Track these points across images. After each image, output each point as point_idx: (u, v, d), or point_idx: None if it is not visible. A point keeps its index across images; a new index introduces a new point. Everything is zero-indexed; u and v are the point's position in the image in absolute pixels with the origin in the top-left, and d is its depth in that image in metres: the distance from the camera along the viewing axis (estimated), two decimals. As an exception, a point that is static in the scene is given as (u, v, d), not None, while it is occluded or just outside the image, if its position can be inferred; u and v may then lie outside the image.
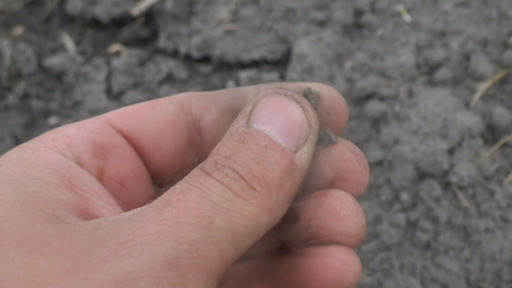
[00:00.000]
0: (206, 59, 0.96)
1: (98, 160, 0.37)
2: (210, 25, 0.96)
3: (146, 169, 0.40)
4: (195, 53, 0.95)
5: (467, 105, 0.81)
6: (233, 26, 0.95)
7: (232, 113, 0.39)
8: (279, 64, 0.93)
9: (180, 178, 0.33)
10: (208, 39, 0.95)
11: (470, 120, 0.78)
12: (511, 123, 0.79)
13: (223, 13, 0.97)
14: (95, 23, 1.02)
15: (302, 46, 0.89)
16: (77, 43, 1.01)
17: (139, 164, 0.40)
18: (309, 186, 0.38)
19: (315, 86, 0.39)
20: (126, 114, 0.39)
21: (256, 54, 0.92)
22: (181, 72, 0.95)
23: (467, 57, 0.84)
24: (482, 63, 0.82)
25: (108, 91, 0.94)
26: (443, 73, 0.83)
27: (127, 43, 0.99)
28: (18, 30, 1.01)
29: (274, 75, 0.90)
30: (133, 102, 0.92)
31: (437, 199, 0.75)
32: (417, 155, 0.77)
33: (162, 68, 0.95)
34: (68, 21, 1.03)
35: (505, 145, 0.78)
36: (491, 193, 0.75)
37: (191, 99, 0.40)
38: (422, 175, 0.77)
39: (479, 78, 0.82)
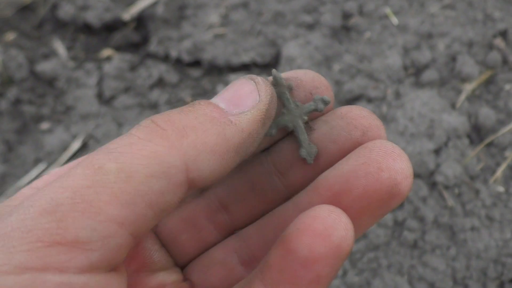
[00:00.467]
0: (196, 63, 0.97)
1: None
2: (201, 29, 0.97)
3: None
4: (186, 57, 0.96)
5: (453, 106, 0.82)
6: (223, 30, 0.96)
7: None
8: (268, 67, 0.94)
9: None
10: (199, 43, 0.96)
11: (456, 121, 0.79)
12: (496, 123, 0.80)
13: (213, 17, 0.98)
14: (87, 28, 1.03)
15: (291, 49, 0.90)
16: (69, 48, 1.02)
17: None
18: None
19: (291, 73, 0.39)
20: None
21: (246, 58, 0.93)
22: (172, 76, 0.96)
23: (453, 58, 0.85)
24: (467, 64, 0.83)
25: (100, 95, 0.95)
26: (429, 75, 0.84)
27: (118, 48, 1.00)
28: (10, 36, 1.02)
29: (263, 78, 0.91)
30: (124, 107, 0.93)
31: (423, 198, 0.76)
32: (404, 155, 0.78)
33: (153, 72, 0.96)
34: (60, 26, 1.04)
35: (490, 144, 0.79)
36: (477, 192, 0.76)
37: None
38: (409, 175, 0.78)
39: (465, 79, 0.83)
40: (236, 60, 0.94)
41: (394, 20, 0.90)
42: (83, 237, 0.28)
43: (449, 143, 0.79)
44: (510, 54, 0.83)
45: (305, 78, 0.39)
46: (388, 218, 0.75)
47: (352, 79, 0.86)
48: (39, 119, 0.93)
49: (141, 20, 1.02)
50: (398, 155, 0.34)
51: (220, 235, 0.43)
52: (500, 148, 0.78)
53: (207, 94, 0.94)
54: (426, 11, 0.90)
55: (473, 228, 0.73)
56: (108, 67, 0.96)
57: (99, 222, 0.28)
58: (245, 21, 0.97)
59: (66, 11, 1.02)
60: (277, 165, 0.40)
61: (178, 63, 0.98)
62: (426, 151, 0.77)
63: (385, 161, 0.34)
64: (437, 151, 0.79)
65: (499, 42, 0.84)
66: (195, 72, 0.97)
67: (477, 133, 0.81)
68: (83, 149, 0.88)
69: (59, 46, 1.01)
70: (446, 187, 0.76)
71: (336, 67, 0.88)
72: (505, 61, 0.84)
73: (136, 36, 1.01)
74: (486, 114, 0.80)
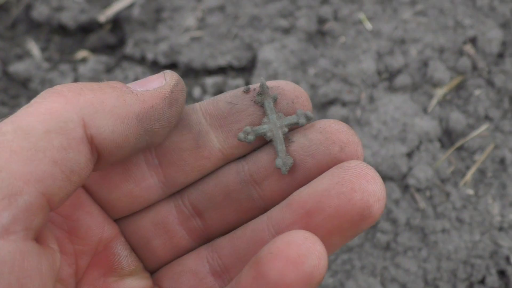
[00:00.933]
0: (173, 66, 0.97)
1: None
2: (177, 32, 0.97)
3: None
4: (162, 60, 0.96)
5: (425, 110, 0.84)
6: (199, 33, 0.97)
7: None
8: (244, 70, 0.95)
9: None
10: (175, 46, 0.96)
11: (428, 125, 0.81)
12: (466, 127, 0.82)
13: (190, 20, 0.98)
14: (62, 29, 1.02)
15: (267, 53, 0.90)
16: (43, 49, 1.01)
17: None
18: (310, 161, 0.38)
19: (273, 83, 0.41)
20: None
21: (222, 61, 0.94)
22: (148, 79, 0.95)
23: (425, 64, 0.87)
24: (439, 70, 0.85)
25: (75, 97, 0.95)
26: (402, 79, 0.86)
27: (94, 50, 1.00)
28: (-17, 36, 1.01)
29: (239, 81, 0.91)
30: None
31: (396, 201, 0.77)
32: (377, 158, 0.79)
33: (129, 74, 0.95)
34: (34, 27, 1.03)
35: (460, 148, 0.81)
36: (447, 195, 0.77)
37: None
38: (382, 178, 0.79)
39: (436, 84, 0.85)
40: (212, 63, 0.94)
41: (368, 25, 0.92)
42: None
43: (421, 146, 0.80)
44: (480, 60, 0.86)
45: (286, 87, 0.40)
46: (362, 220, 0.76)
47: (327, 83, 0.88)
48: (12, 120, 0.92)
49: (117, 22, 1.02)
50: (372, 177, 0.34)
51: (193, 242, 0.42)
52: (470, 151, 0.80)
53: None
54: (399, 17, 0.92)
55: (443, 230, 0.75)
56: (83, 69, 0.95)
57: (2, 180, 0.28)
58: (222, 24, 0.97)
59: (40, 11, 1.01)
60: (254, 175, 0.40)
61: (155, 66, 0.98)
62: (399, 155, 0.79)
63: (359, 182, 0.34)
64: (409, 155, 0.80)
65: (469, 48, 0.87)
66: (172, 75, 0.97)
67: (448, 137, 0.83)
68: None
69: (33, 47, 1.00)
70: (418, 190, 0.78)
71: (312, 71, 0.89)
72: (474, 67, 0.86)
73: (112, 38, 1.01)
74: (457, 119, 0.82)
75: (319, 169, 0.37)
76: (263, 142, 0.41)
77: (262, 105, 0.40)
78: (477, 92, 0.84)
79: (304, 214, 0.35)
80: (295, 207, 0.36)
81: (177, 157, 0.40)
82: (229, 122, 0.40)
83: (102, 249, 0.41)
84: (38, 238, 0.32)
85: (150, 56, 0.96)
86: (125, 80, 0.95)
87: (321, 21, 0.95)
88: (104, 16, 1.00)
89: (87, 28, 1.02)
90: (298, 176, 0.39)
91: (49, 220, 0.37)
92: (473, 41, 0.88)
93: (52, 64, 0.98)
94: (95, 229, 0.40)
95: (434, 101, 0.84)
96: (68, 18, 1.00)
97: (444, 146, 0.82)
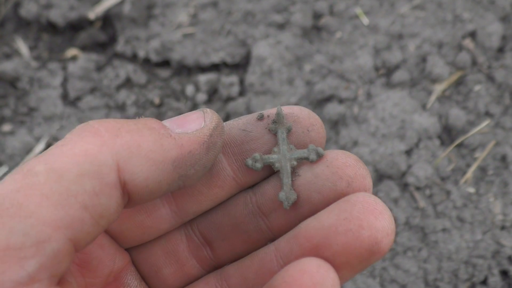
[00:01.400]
0: (165, 63, 0.95)
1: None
2: (169, 29, 0.95)
3: None
4: (154, 57, 0.94)
5: (423, 107, 0.82)
6: (192, 30, 0.94)
7: None
8: (238, 67, 0.92)
9: None
10: (167, 43, 0.93)
11: (427, 121, 0.79)
12: (467, 123, 0.80)
13: (182, 16, 0.96)
14: (51, 27, 1.00)
15: (261, 49, 0.88)
16: (32, 48, 0.98)
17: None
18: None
19: (287, 109, 0.40)
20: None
21: (215, 58, 0.92)
22: (139, 77, 0.93)
23: (423, 59, 0.85)
24: (438, 65, 0.83)
25: (65, 96, 0.92)
26: (400, 75, 0.84)
27: (84, 48, 0.97)
28: (-30, 34, 0.98)
29: (233, 78, 0.89)
30: (90, 108, 0.90)
31: (395, 200, 0.75)
32: (375, 156, 0.77)
33: (121, 72, 0.93)
34: (23, 25, 1.01)
35: (460, 145, 0.79)
36: (448, 193, 0.75)
37: None
38: (380, 176, 0.77)
39: (435, 80, 0.83)
40: (205, 60, 0.92)
41: (365, 20, 0.90)
42: (15, 242, 0.27)
43: (420, 144, 0.78)
44: (480, 55, 0.84)
45: (301, 115, 0.40)
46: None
47: (323, 80, 0.86)
48: (0, 121, 0.90)
49: (107, 19, 1.00)
50: (380, 212, 0.34)
51: (203, 270, 0.42)
52: (470, 149, 0.78)
53: (176, 94, 0.91)
54: (396, 11, 0.90)
55: (444, 230, 0.73)
56: (73, 67, 0.93)
57: (31, 226, 0.27)
58: (215, 20, 0.95)
59: (28, 9, 0.98)
60: (261, 207, 0.40)
61: (146, 63, 0.96)
62: (398, 152, 0.77)
63: (367, 218, 0.33)
64: (408, 152, 0.78)
65: (468, 43, 0.85)
66: (164, 73, 0.94)
67: (448, 134, 0.81)
68: (47, 152, 0.85)
69: (22, 46, 0.98)
70: (418, 189, 0.76)
71: (307, 67, 0.87)
72: (474, 62, 0.84)
73: (102, 35, 0.98)
74: (456, 115, 0.80)
75: (326, 204, 0.37)
76: (270, 171, 0.41)
77: (275, 133, 0.40)
78: (477, 87, 0.82)
79: (312, 248, 0.35)
80: (302, 240, 0.36)
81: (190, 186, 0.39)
82: (243, 151, 0.40)
83: (112, 280, 0.40)
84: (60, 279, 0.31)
85: (141, 53, 0.94)
86: (116, 78, 0.92)
87: (317, 16, 0.93)
88: (94, 13, 0.98)
89: (77, 26, 0.99)
90: (304, 211, 0.38)
91: None
92: (472, 35, 0.86)
93: (41, 63, 0.96)
94: (106, 261, 0.39)
95: (433, 97, 0.82)
96: (57, 15, 0.97)
97: (443, 143, 0.80)
